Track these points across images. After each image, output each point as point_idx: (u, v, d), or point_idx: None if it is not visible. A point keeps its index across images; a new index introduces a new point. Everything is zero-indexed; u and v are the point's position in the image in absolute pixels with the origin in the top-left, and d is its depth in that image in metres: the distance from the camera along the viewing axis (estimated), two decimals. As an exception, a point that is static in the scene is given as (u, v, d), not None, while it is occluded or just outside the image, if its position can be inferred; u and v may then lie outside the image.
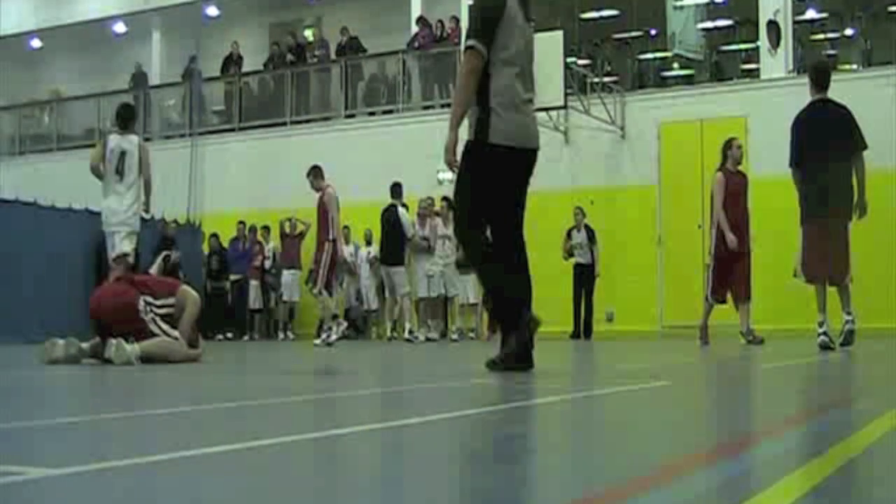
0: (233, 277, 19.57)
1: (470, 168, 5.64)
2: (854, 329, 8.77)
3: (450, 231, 16.36)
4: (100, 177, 9.89)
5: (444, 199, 16.32)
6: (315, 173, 12.64)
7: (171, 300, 7.32)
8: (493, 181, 5.63)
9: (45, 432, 2.90)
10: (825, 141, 8.79)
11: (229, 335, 19.00)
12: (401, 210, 15.55)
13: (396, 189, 15.65)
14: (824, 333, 8.66)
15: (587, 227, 16.63)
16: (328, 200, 12.40)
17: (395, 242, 15.47)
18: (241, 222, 19.83)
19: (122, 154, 9.81)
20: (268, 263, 19.49)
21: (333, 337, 12.25)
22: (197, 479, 2.04)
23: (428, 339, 15.77)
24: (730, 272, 11.04)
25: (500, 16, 5.72)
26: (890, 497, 1.88)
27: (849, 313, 8.72)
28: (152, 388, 5.13)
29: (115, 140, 9.93)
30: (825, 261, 8.67)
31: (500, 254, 5.72)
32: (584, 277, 16.59)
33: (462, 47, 5.70)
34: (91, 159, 9.90)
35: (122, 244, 9.76)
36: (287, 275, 18.89)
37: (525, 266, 5.84)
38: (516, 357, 5.52)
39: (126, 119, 10.24)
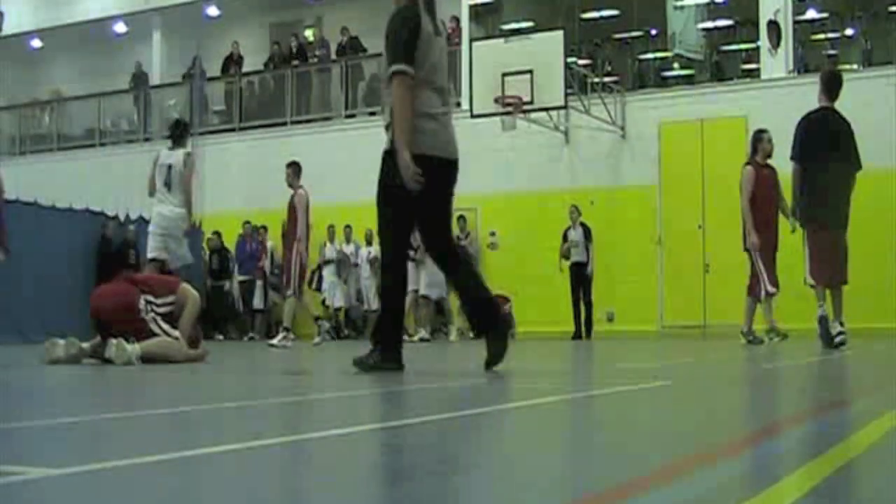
0: (240, 278, 19.59)
1: (394, 180, 5.72)
2: (845, 341, 8.83)
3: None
4: (151, 193, 10.64)
5: None
6: (294, 169, 12.40)
7: (171, 298, 7.32)
8: (412, 191, 5.67)
9: (45, 432, 2.90)
10: (832, 148, 8.84)
11: (232, 335, 19.02)
12: None
13: None
14: (841, 332, 8.79)
15: (583, 225, 16.58)
16: (298, 202, 12.32)
17: None
18: (247, 222, 19.77)
19: (169, 168, 10.50)
20: (268, 264, 19.51)
21: (289, 343, 12.13)
22: (197, 479, 2.04)
23: (421, 340, 15.63)
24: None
25: (418, 34, 5.85)
26: (890, 497, 1.88)
27: (841, 323, 8.84)
28: (152, 388, 5.13)
29: (163, 155, 10.68)
30: (832, 265, 8.84)
31: (436, 259, 5.87)
32: (582, 276, 16.54)
33: (387, 72, 5.79)
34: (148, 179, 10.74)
35: (156, 249, 10.48)
36: None
37: (469, 264, 6.01)
38: (394, 360, 5.65)
39: (175, 135, 10.85)
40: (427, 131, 5.74)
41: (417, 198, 5.63)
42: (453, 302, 16.83)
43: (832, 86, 9.09)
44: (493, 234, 18.70)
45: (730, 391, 4.94)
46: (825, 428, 3.00)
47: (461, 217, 17.87)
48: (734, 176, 17.45)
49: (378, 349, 5.69)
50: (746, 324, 11.03)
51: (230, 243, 20.02)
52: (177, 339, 7.25)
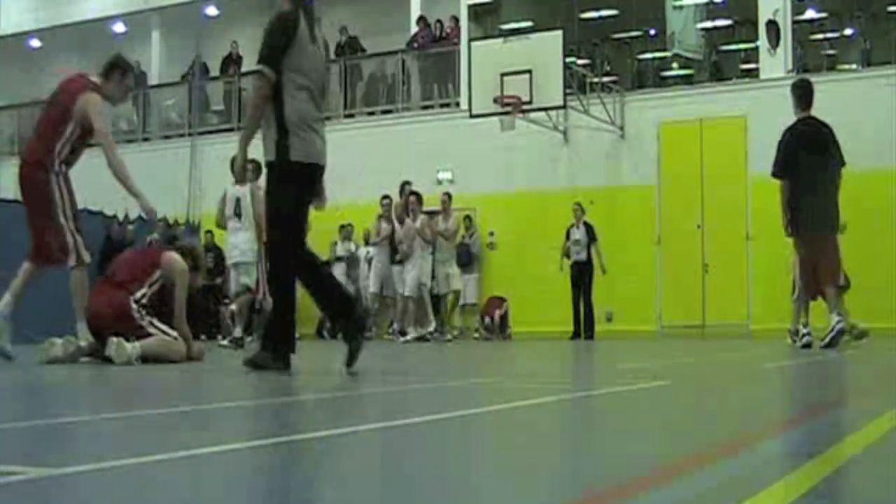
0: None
1: (276, 187, 5.87)
2: (843, 329, 9.01)
3: (449, 225, 15.95)
4: (222, 226, 12.03)
5: (446, 193, 16.26)
6: (256, 167, 12.17)
7: (157, 274, 7.27)
8: (295, 197, 5.86)
9: (45, 432, 2.90)
10: (817, 158, 9.07)
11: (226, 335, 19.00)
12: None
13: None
14: (808, 334, 9.25)
15: (586, 224, 16.55)
16: (259, 203, 12.25)
17: None
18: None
19: (237, 200, 11.72)
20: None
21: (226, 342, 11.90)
22: (197, 479, 2.04)
23: (416, 339, 15.28)
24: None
25: (292, 39, 5.82)
26: (890, 497, 1.88)
27: (839, 314, 8.99)
28: (152, 388, 5.13)
29: (230, 190, 11.82)
30: (815, 276, 9.13)
31: (301, 266, 5.96)
32: (582, 275, 16.49)
33: (256, 68, 5.82)
34: (217, 214, 12.04)
35: (242, 277, 11.68)
36: None
37: (326, 265, 6.29)
38: (282, 360, 5.74)
39: (237, 179, 11.37)
40: (305, 139, 5.82)
41: (296, 202, 5.87)
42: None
43: (806, 96, 9.47)
44: (491, 233, 18.71)
45: (729, 391, 4.94)
46: (825, 428, 3.00)
47: (467, 216, 17.86)
48: (733, 176, 17.58)
49: (267, 348, 5.81)
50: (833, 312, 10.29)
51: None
52: (175, 338, 7.25)
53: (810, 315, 9.51)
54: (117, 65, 7.53)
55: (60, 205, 7.28)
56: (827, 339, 8.85)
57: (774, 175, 9.28)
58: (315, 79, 5.94)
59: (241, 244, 11.71)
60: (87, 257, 7.30)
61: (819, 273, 9.08)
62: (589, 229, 16.50)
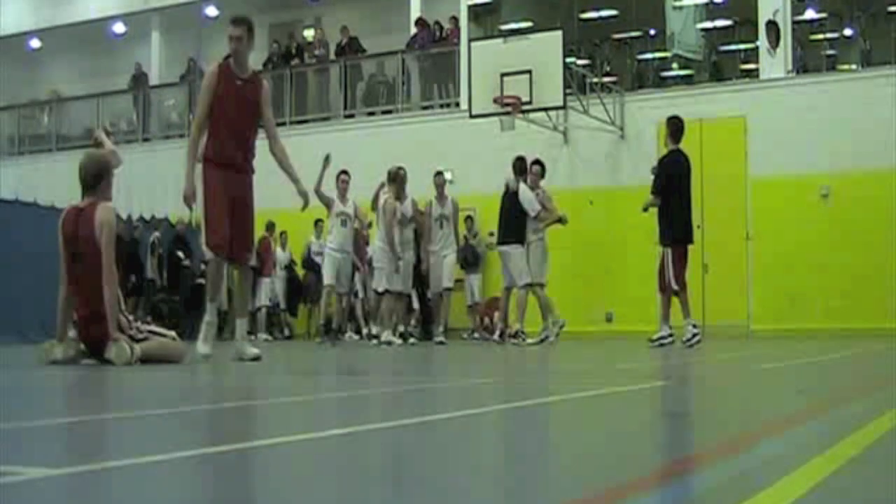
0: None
1: None
2: (700, 338, 10.56)
3: (444, 210, 13.68)
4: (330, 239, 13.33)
5: (438, 173, 14.34)
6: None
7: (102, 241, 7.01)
8: None
9: (45, 432, 2.90)
10: (685, 183, 11.08)
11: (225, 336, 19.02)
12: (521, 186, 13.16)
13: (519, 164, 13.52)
14: (670, 334, 10.76)
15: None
16: None
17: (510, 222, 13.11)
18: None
19: (346, 216, 13.25)
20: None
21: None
22: (197, 480, 2.04)
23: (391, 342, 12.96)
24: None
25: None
26: (890, 497, 1.88)
27: (694, 325, 10.60)
28: (152, 388, 5.12)
29: (337, 206, 13.29)
30: (684, 279, 10.87)
31: None
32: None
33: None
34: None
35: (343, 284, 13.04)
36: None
37: None
38: None
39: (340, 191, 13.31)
40: None
41: None
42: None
43: (678, 132, 11.19)
44: (491, 234, 18.69)
45: (729, 391, 4.94)
46: (825, 428, 3.00)
47: (468, 217, 17.83)
48: (733, 176, 17.57)
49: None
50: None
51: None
52: (174, 339, 7.26)
53: (670, 316, 10.99)
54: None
55: None
56: (687, 342, 10.26)
57: (654, 194, 11.12)
58: None
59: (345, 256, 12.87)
60: None
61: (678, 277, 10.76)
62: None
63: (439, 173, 14.10)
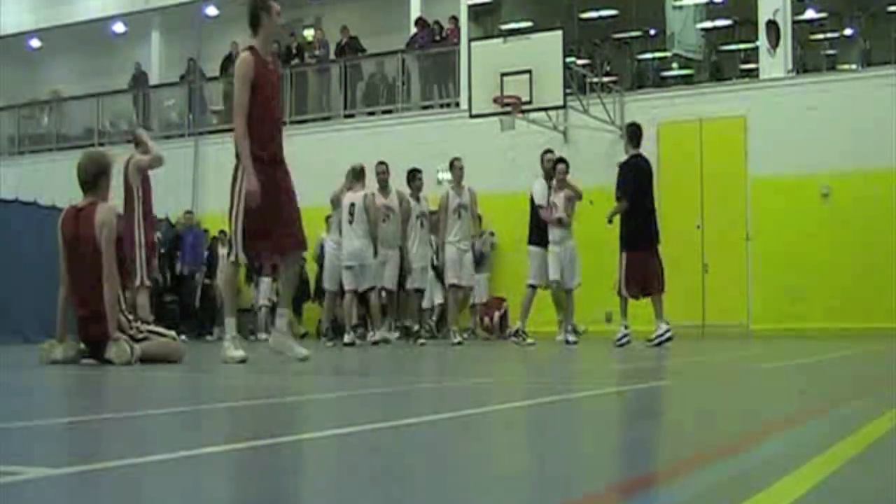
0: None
1: None
2: (672, 336, 10.51)
3: (462, 200, 12.92)
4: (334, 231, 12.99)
5: (456, 159, 13.51)
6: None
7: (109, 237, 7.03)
8: None
9: (45, 432, 2.90)
10: (647, 189, 11.06)
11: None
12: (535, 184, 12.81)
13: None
14: (626, 334, 10.90)
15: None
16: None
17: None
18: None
19: (352, 205, 12.50)
20: None
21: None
22: (197, 479, 2.04)
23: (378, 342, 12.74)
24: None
25: None
26: (890, 497, 1.88)
27: (666, 322, 10.59)
28: (152, 388, 5.12)
29: (348, 197, 12.61)
30: (640, 283, 10.98)
31: None
32: None
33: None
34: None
35: (352, 281, 12.28)
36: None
37: None
38: None
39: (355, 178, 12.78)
40: None
41: None
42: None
43: (637, 137, 11.28)
44: (492, 234, 18.73)
45: (729, 391, 4.94)
46: (825, 428, 3.00)
47: (478, 217, 17.81)
48: (733, 176, 17.58)
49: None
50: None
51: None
52: (174, 338, 7.26)
53: (629, 317, 11.18)
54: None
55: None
56: (655, 341, 10.43)
57: (618, 199, 11.21)
58: None
59: (351, 249, 12.25)
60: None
61: (648, 280, 10.92)
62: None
63: (457, 159, 13.37)
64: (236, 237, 6.87)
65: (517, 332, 12.11)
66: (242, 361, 6.72)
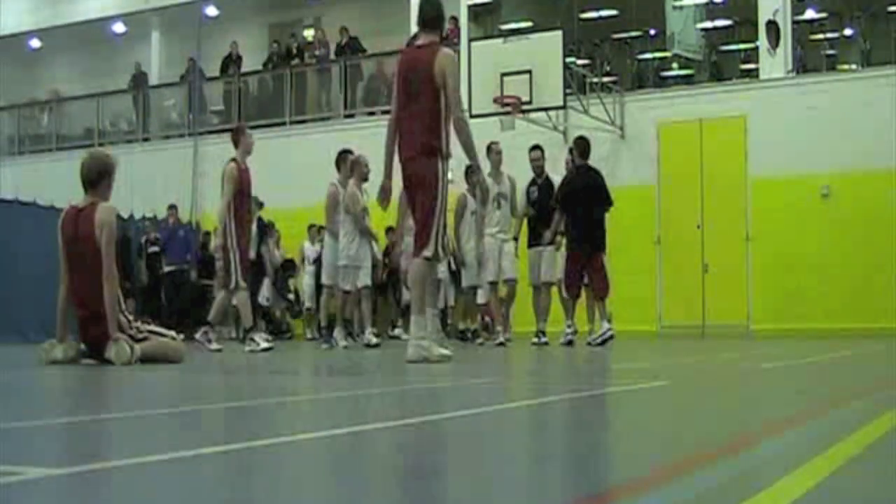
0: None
1: None
2: (614, 335, 10.90)
3: (501, 188, 12.23)
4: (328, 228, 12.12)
5: (494, 143, 12.87)
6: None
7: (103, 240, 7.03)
8: None
9: (45, 432, 2.90)
10: (585, 198, 11.32)
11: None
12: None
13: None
14: (572, 333, 11.41)
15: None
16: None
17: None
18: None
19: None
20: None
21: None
22: (197, 479, 2.04)
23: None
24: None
25: None
26: (890, 497, 1.88)
27: (609, 321, 10.97)
28: (152, 388, 5.12)
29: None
30: (578, 282, 11.37)
31: None
32: None
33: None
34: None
35: (346, 280, 11.68)
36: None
37: None
38: None
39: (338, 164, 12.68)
40: None
41: None
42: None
43: (584, 149, 11.66)
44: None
45: (729, 391, 4.94)
46: (825, 428, 3.00)
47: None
48: (733, 176, 17.57)
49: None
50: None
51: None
52: (174, 338, 7.26)
53: (575, 317, 11.56)
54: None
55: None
56: (599, 340, 10.77)
57: (553, 208, 11.63)
58: None
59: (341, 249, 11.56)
60: None
61: (593, 283, 11.31)
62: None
63: (494, 143, 12.49)
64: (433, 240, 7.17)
65: (537, 333, 12.03)
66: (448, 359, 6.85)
